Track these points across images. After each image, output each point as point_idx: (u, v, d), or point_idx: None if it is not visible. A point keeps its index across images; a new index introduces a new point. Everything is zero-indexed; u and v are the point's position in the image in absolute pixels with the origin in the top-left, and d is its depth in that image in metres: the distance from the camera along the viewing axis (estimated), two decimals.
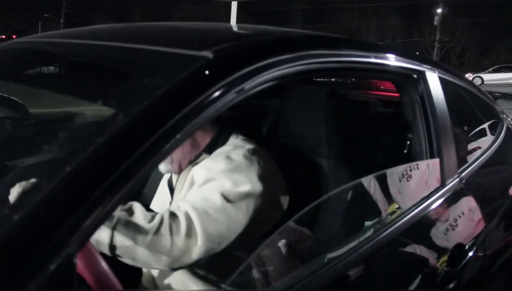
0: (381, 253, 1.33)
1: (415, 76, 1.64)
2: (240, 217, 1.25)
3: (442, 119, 1.67)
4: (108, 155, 0.77)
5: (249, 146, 1.39)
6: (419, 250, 1.48)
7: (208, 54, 0.98)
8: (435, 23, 43.73)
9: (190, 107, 0.86)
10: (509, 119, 2.65)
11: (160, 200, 1.57)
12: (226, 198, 1.24)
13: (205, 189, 1.28)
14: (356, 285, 1.22)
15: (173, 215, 1.21)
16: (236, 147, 1.39)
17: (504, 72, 29.59)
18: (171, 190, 1.52)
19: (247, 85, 0.96)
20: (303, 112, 1.65)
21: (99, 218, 0.73)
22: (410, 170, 1.58)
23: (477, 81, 29.16)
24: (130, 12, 60.51)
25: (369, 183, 1.47)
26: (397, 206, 1.54)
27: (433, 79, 1.71)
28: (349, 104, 2.42)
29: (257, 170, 1.32)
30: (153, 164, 0.81)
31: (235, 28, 1.49)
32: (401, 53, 1.67)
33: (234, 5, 8.20)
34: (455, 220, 1.64)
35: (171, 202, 1.49)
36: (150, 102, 0.85)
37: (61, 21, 50.44)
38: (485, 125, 2.39)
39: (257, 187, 1.29)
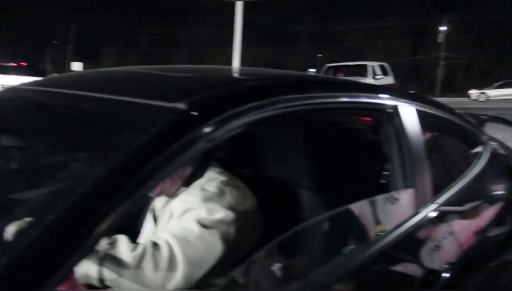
0: (351, 278, 1.41)
1: (389, 110, 1.75)
2: (216, 241, 1.36)
3: (416, 151, 1.76)
4: (87, 203, 0.88)
5: (222, 178, 1.52)
6: (392, 273, 1.57)
7: (181, 105, 1.10)
8: (440, 40, 43.91)
9: (162, 157, 0.97)
10: (493, 144, 2.73)
11: (146, 232, 1.68)
12: (203, 225, 1.36)
13: (183, 219, 1.40)
14: None
15: (154, 244, 1.32)
16: (210, 179, 1.51)
17: (509, 87, 29.72)
18: (155, 222, 1.64)
19: (217, 134, 1.07)
20: (284, 146, 1.76)
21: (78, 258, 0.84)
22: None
23: (482, 97, 29.29)
24: (138, 36, 61.40)
25: (348, 210, 1.57)
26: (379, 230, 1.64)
27: (408, 112, 1.81)
28: (339, 132, 2.53)
29: (229, 199, 1.44)
30: (126, 208, 0.92)
31: (209, 76, 1.60)
32: (376, 89, 1.78)
33: (239, 5, 8.13)
34: (431, 246, 1.72)
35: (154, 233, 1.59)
36: (125, 154, 0.97)
37: (69, 47, 51.35)
38: (465, 153, 2.47)
39: (230, 213, 1.41)
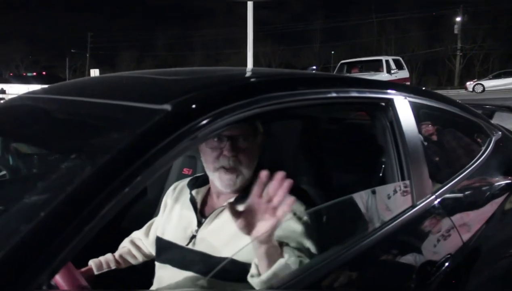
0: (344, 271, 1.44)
1: (383, 104, 1.76)
2: None
3: (412, 142, 1.77)
4: (73, 203, 0.93)
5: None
6: (389, 264, 1.59)
7: (167, 107, 1.14)
8: (455, 31, 43.41)
9: (147, 156, 1.02)
10: (500, 133, 2.71)
11: (182, 225, 1.64)
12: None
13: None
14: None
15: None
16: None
17: (504, 77, 29.43)
18: (196, 213, 1.62)
19: (201, 133, 1.11)
20: (278, 143, 1.79)
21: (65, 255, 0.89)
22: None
23: (479, 88, 28.92)
24: (154, 41, 61.91)
25: (346, 201, 1.60)
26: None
27: (403, 105, 1.82)
28: (342, 128, 2.55)
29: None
30: (115, 207, 0.96)
31: (197, 78, 1.64)
32: (369, 84, 1.80)
33: (250, 5, 8.26)
34: (429, 237, 1.74)
35: (196, 230, 1.59)
36: (112, 154, 1.01)
37: (87, 55, 52.10)
38: (469, 144, 2.47)
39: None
